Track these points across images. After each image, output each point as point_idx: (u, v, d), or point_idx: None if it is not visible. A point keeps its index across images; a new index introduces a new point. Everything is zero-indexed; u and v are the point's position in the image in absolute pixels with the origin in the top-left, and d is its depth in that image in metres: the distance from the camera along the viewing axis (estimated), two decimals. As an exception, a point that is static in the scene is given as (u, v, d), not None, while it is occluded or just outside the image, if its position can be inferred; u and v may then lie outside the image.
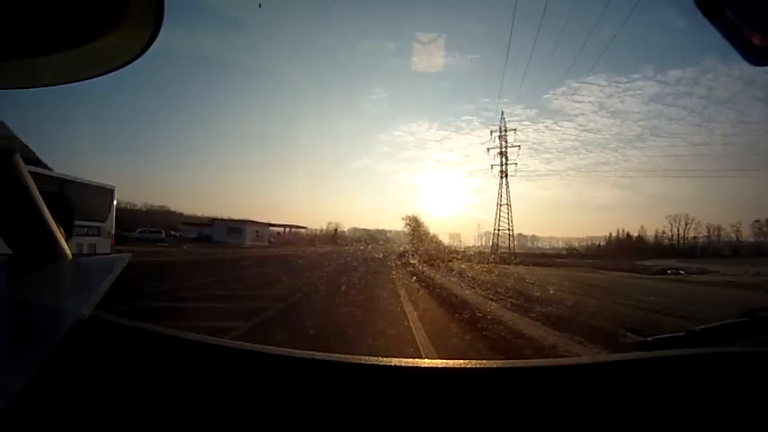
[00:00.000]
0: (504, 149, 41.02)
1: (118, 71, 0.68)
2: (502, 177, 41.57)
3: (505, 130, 41.13)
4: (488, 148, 41.14)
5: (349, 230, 47.78)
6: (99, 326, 0.80)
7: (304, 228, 46.34)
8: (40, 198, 0.83)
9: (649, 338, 0.98)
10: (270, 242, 42.55)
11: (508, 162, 41.23)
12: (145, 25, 0.61)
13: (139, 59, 0.66)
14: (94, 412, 0.72)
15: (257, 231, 40.90)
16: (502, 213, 41.78)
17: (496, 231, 40.26)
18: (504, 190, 41.62)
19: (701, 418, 0.76)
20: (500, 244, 38.93)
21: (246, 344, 0.86)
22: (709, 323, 0.99)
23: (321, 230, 47.51)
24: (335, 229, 47.63)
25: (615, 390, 0.78)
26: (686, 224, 40.51)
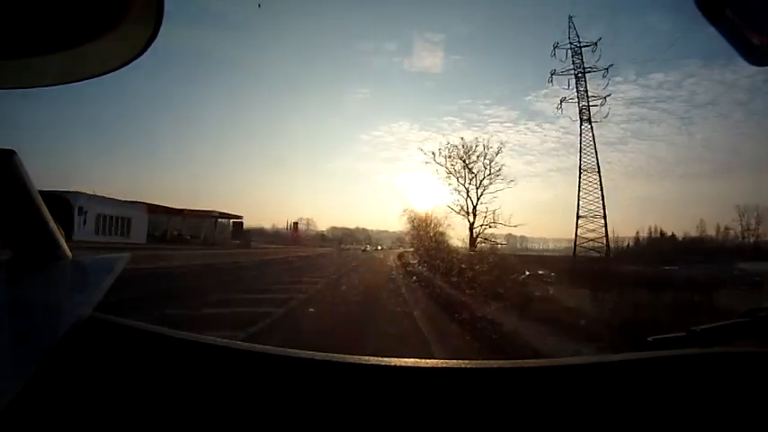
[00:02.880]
0: (580, 73, 22.45)
1: (117, 71, 0.69)
2: (582, 123, 22.77)
3: (580, 46, 22.46)
4: (552, 74, 23.24)
5: (328, 230, 44.06)
6: (99, 326, 0.80)
7: (239, 218, 31.17)
8: (40, 198, 0.83)
9: (649, 338, 0.98)
10: (168, 238, 26.84)
11: (590, 99, 22.65)
12: (145, 25, 0.61)
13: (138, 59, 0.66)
14: (94, 412, 0.72)
15: (86, 215, 20.44)
16: (590, 185, 22.74)
17: (577, 218, 22.55)
18: (588, 143, 22.83)
19: (701, 418, 0.76)
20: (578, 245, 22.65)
21: (246, 344, 0.86)
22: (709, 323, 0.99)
23: (289, 227, 38.89)
24: (295, 223, 37.49)
25: (615, 390, 0.78)
26: (757, 215, 26.23)
